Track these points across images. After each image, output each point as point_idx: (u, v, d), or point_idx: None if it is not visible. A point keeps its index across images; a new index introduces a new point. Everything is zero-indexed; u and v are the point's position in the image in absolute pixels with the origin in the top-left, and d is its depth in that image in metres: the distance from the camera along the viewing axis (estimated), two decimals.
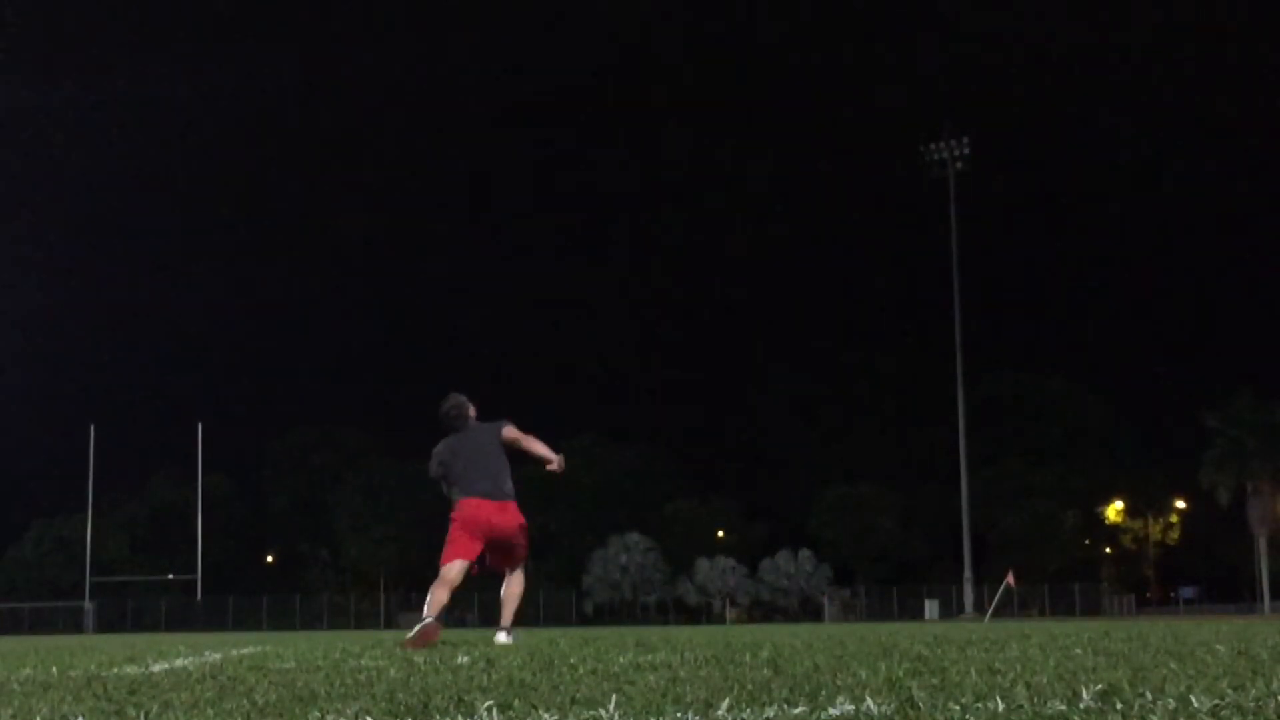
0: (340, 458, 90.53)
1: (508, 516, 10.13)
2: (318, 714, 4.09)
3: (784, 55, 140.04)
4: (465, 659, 8.20)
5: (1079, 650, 8.03)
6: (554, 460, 10.04)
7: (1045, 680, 4.95)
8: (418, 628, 9.46)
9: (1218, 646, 8.07)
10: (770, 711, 3.89)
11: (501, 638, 10.14)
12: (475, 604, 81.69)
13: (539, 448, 10.13)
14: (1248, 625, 18.41)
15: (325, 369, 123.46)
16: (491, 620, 78.27)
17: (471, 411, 10.46)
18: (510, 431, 10.17)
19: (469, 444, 10.21)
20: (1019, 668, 5.87)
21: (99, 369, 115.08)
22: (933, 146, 71.51)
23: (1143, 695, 4.22)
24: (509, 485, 10.20)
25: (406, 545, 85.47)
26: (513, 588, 10.43)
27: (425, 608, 9.77)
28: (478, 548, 10.06)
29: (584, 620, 78.37)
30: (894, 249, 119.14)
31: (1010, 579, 49.40)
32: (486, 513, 10.03)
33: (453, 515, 10.12)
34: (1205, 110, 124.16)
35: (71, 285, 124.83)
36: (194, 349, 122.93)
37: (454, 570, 9.98)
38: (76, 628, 69.47)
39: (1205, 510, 79.83)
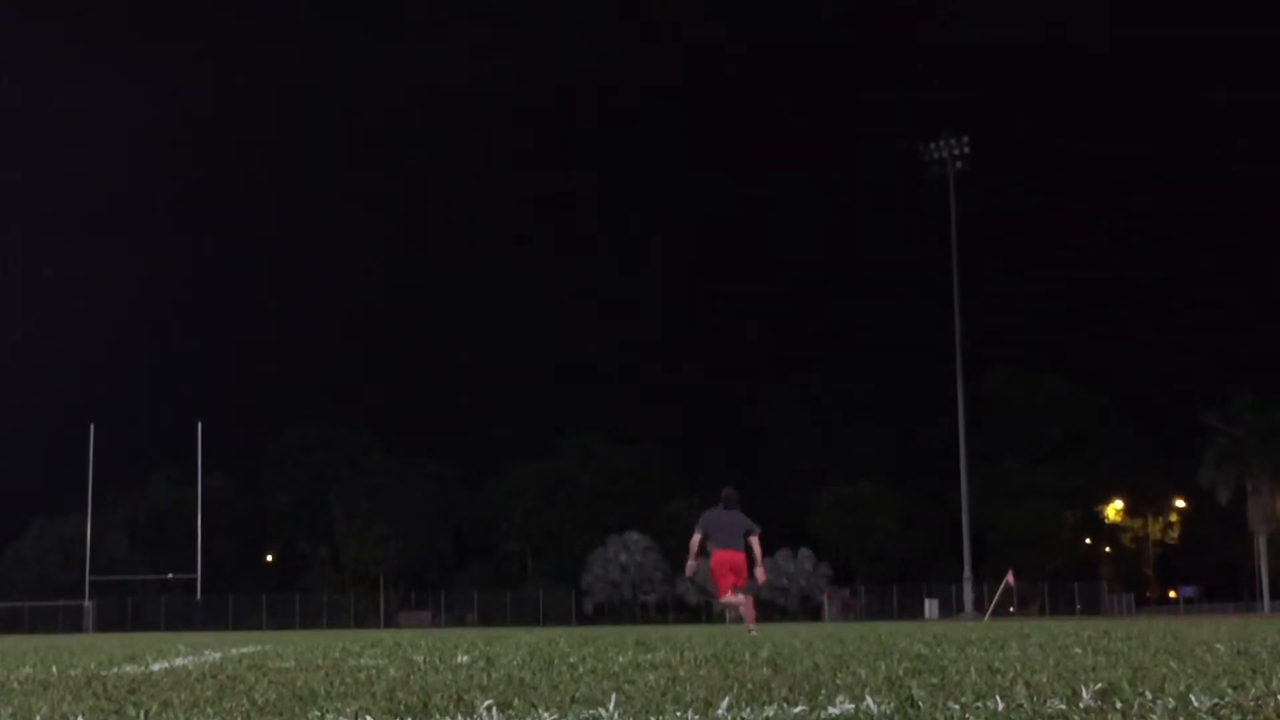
0: (340, 457, 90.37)
1: (737, 557, 16.40)
2: (317, 713, 4.09)
3: (784, 55, 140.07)
4: (465, 658, 8.21)
5: (1078, 649, 8.04)
6: (760, 574, 16.78)
7: (1045, 679, 4.95)
8: (748, 619, 16.73)
9: (1217, 645, 8.07)
10: (770, 710, 3.89)
11: (752, 631, 16.03)
12: (474, 604, 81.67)
13: (756, 556, 16.55)
14: (1247, 624, 18.41)
15: (325, 367, 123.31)
16: (490, 619, 78.32)
17: (738, 500, 16.76)
18: (754, 542, 16.53)
19: (726, 519, 16.51)
20: (1019, 667, 5.87)
21: (99, 369, 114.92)
22: (933, 146, 71.36)
23: (1142, 694, 4.22)
24: (739, 542, 16.38)
25: (406, 544, 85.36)
26: (747, 599, 16.63)
27: (739, 610, 16.78)
28: (730, 577, 16.33)
29: (584, 619, 78.31)
30: (894, 248, 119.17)
31: (1010, 578, 49.36)
32: (728, 556, 16.36)
33: (711, 560, 16.36)
34: (1205, 109, 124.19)
35: (71, 285, 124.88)
36: (194, 348, 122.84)
37: (728, 596, 16.37)
38: (76, 626, 69.42)
39: (1205, 510, 79.78)
